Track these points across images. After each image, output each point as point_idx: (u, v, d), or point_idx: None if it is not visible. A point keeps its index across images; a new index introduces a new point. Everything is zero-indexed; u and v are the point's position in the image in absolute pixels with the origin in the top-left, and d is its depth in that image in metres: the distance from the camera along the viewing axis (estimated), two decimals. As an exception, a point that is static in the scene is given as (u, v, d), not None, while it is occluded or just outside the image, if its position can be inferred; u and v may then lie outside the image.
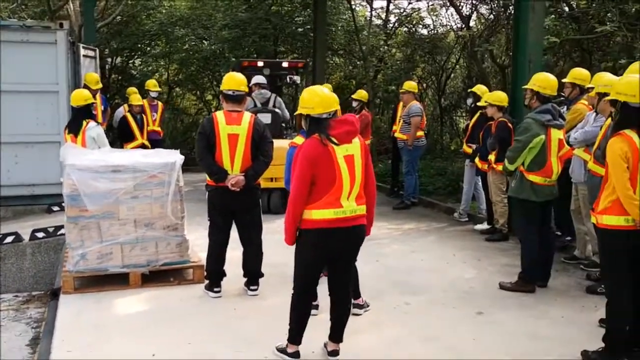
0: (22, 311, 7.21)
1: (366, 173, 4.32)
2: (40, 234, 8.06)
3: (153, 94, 11.81)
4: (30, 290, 7.86)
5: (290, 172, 4.85)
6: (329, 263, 4.42)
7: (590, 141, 6.00)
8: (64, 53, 9.67)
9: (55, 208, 9.41)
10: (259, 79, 10.21)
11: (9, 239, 7.93)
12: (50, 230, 8.10)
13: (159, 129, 11.87)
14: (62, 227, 7.87)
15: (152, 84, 12.06)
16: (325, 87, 6.21)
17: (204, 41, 17.81)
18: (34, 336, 6.34)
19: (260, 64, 10.87)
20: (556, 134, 5.94)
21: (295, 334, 4.42)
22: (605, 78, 5.91)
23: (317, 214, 4.14)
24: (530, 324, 5.27)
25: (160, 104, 12.20)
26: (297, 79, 11.15)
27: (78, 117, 7.60)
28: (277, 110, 9.94)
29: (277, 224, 8.43)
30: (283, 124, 10.28)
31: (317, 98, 4.25)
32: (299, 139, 5.12)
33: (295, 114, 4.63)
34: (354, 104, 10.95)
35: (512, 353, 4.67)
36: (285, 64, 10.43)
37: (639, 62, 5.21)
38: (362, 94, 10.90)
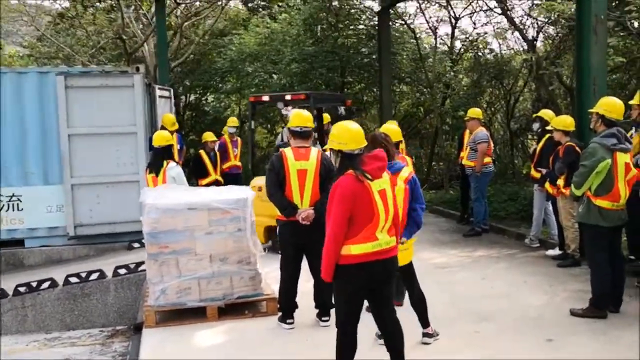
0: (108, 345, 7.61)
1: (395, 205, 4.43)
2: (122, 271, 8.47)
3: (231, 130, 12.28)
4: (115, 325, 8.28)
5: None
6: (370, 297, 4.47)
7: None
8: (140, 95, 10.25)
9: (136, 245, 9.90)
10: (285, 111, 10.30)
11: (94, 276, 8.38)
12: (132, 266, 8.50)
13: (239, 163, 12.35)
14: (142, 263, 8.29)
15: (231, 121, 12.59)
16: (391, 125, 6.44)
17: (273, 75, 18.33)
18: (120, 369, 6.70)
19: (265, 98, 11.05)
20: (622, 158, 5.88)
21: None
22: None
23: (357, 249, 4.22)
24: (601, 350, 5.21)
25: (239, 139, 12.65)
26: (342, 110, 11.19)
27: (159, 157, 8.01)
28: None
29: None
30: None
31: (349, 134, 4.35)
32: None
33: (324, 147, 4.74)
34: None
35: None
36: (288, 97, 10.49)
37: None
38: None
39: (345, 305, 4.40)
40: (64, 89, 9.87)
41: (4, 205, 9.96)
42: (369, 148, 5.14)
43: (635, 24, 11.83)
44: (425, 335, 5.47)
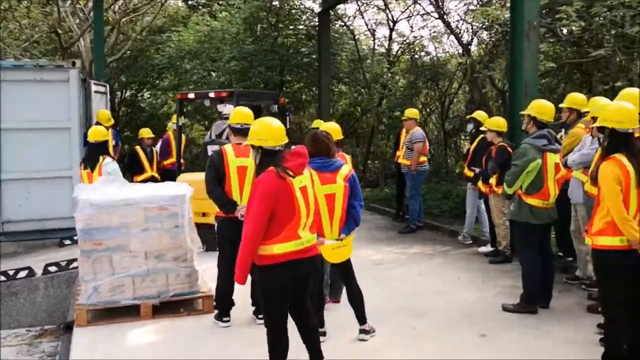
0: (35, 345, 7.33)
1: (315, 202, 4.45)
2: (52, 268, 8.19)
3: (175, 127, 12.03)
4: (43, 324, 7.97)
5: None
6: (292, 297, 4.42)
7: (588, 163, 6.14)
8: (76, 90, 10.00)
9: (67, 242, 9.63)
10: (221, 108, 10.19)
11: (22, 274, 8.07)
12: (63, 264, 8.24)
13: (182, 160, 12.13)
14: (74, 260, 8.06)
15: (175, 118, 12.32)
16: (332, 123, 6.47)
17: (212, 73, 18.16)
18: (48, 370, 6.49)
19: (191, 95, 10.95)
20: (552, 158, 6.11)
21: None
22: (600, 102, 6.11)
23: (279, 248, 4.16)
24: (533, 344, 5.39)
25: (184, 136, 12.45)
26: (275, 109, 11.08)
27: (95, 153, 7.82)
28: (226, 141, 9.41)
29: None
30: None
31: (269, 130, 4.31)
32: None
33: (245, 143, 4.68)
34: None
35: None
36: (212, 94, 10.42)
37: (628, 88, 5.41)
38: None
39: (272, 305, 4.36)
40: (-4, 82, 9.55)
41: None
42: (310, 145, 5.21)
43: (565, 31, 12.28)
44: (362, 331, 5.52)
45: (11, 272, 8.05)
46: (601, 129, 4.67)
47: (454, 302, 6.62)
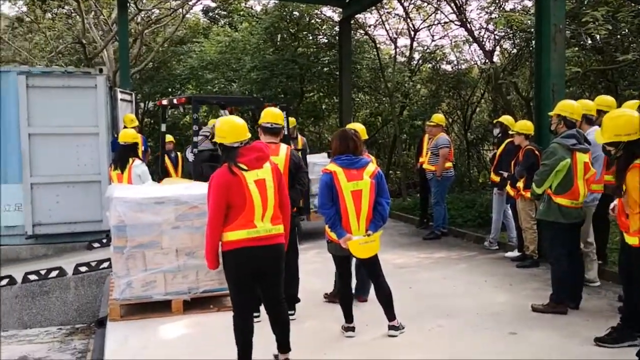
0: (67, 343, 7.47)
1: (280, 194, 4.67)
2: (83, 268, 8.34)
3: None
4: (74, 323, 8.13)
5: (323, 196, 5.29)
6: (257, 282, 4.65)
7: None
8: (103, 97, 10.21)
9: (96, 245, 9.81)
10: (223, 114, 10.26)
11: (54, 274, 8.23)
12: (93, 264, 8.38)
13: None
14: (104, 261, 8.21)
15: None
16: (357, 124, 6.56)
17: (232, 83, 18.34)
18: (80, 365, 6.58)
19: (164, 102, 10.88)
20: (582, 158, 6.10)
21: (242, 356, 4.61)
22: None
23: (232, 236, 4.45)
24: (562, 343, 5.35)
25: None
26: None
27: (125, 155, 7.96)
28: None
29: (313, 252, 8.68)
30: None
31: (228, 128, 4.60)
32: (331, 166, 5.37)
33: (212, 140, 4.94)
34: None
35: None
36: (175, 101, 10.45)
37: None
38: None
39: (234, 289, 4.61)
40: (26, 88, 9.80)
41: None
42: (338, 142, 5.34)
43: (589, 40, 12.27)
44: (391, 327, 5.55)
45: (43, 272, 8.20)
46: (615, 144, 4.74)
47: (481, 303, 6.61)
